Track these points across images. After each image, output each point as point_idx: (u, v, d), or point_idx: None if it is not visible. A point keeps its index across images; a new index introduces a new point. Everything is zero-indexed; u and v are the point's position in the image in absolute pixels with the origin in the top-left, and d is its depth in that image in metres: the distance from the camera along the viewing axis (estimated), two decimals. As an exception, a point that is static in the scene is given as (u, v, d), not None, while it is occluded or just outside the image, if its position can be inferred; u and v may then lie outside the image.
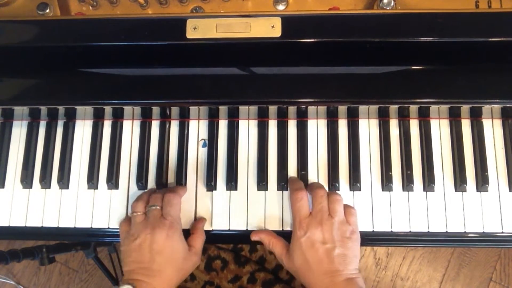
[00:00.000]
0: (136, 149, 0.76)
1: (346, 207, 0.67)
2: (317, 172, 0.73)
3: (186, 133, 0.76)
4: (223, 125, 0.76)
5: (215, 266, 0.87)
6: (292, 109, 0.75)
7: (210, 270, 0.87)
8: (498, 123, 0.73)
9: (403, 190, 0.72)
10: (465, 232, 0.70)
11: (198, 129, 0.76)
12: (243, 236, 0.73)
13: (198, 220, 0.72)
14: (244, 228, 0.72)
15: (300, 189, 0.67)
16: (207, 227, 0.72)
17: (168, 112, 0.76)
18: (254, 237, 0.70)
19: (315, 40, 0.64)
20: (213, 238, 0.73)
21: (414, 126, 0.74)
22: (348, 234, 0.64)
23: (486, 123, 0.73)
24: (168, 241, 0.65)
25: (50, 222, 0.74)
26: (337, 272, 0.62)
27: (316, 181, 0.73)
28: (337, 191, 0.71)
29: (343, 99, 0.68)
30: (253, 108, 0.75)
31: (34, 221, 0.74)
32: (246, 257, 0.88)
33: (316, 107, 0.75)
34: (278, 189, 0.73)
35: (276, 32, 0.64)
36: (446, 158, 0.73)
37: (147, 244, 0.64)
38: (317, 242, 0.63)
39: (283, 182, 0.72)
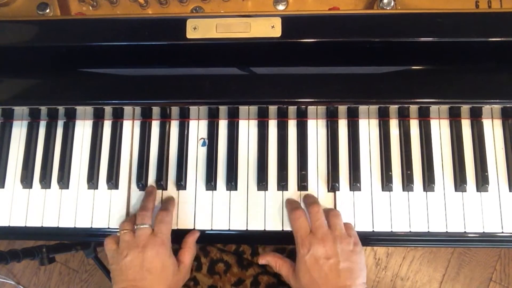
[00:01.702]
0: (136, 149, 0.76)
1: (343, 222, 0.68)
2: (317, 172, 0.73)
3: (186, 133, 0.76)
4: (223, 125, 0.76)
5: (218, 270, 0.87)
6: (292, 109, 0.75)
7: (213, 274, 0.87)
8: (498, 123, 0.73)
9: (403, 190, 0.72)
10: (465, 232, 0.70)
11: (198, 129, 0.76)
12: (243, 236, 0.73)
13: (189, 233, 0.72)
14: (244, 228, 0.72)
15: (296, 208, 0.67)
16: (207, 227, 0.72)
17: (168, 112, 0.76)
18: (261, 261, 0.71)
19: (315, 40, 0.64)
20: (213, 238, 0.73)
21: (414, 126, 0.74)
22: (351, 247, 0.64)
23: (486, 123, 0.73)
24: (158, 259, 0.65)
25: (50, 222, 0.74)
26: (344, 287, 0.61)
27: (316, 181, 0.73)
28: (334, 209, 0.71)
29: (343, 99, 0.68)
30: (253, 108, 0.75)
31: (34, 221, 0.74)
32: (249, 260, 0.88)
33: (316, 107, 0.74)
34: (278, 189, 0.73)
35: (276, 32, 0.64)
36: (446, 158, 0.73)
37: (139, 262, 0.64)
38: (321, 258, 0.62)
39: (283, 182, 0.72)
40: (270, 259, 0.70)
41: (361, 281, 0.63)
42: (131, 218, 0.70)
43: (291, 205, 0.69)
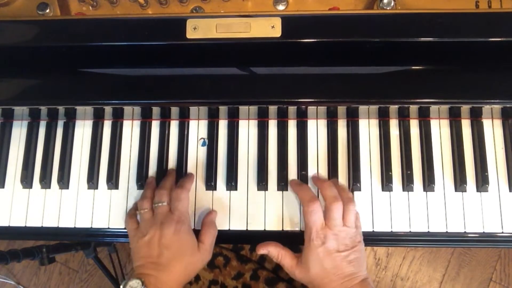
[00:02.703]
0: (136, 149, 0.76)
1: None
2: (317, 172, 0.73)
3: (186, 133, 0.76)
4: (223, 125, 0.76)
5: (217, 263, 0.88)
6: (292, 109, 0.75)
7: (213, 267, 0.88)
8: (498, 123, 0.73)
9: (403, 190, 0.72)
10: (465, 232, 0.70)
11: (198, 129, 0.76)
12: (243, 236, 0.73)
13: (208, 213, 0.72)
14: (244, 228, 0.72)
15: (312, 199, 0.66)
16: (207, 227, 0.72)
17: (168, 112, 0.76)
18: (261, 250, 0.68)
19: (315, 40, 0.64)
20: (213, 238, 0.73)
21: (414, 126, 0.74)
22: (359, 238, 0.66)
23: (486, 123, 0.73)
24: (176, 236, 0.65)
25: (50, 222, 0.74)
26: (353, 275, 0.63)
27: (316, 181, 0.73)
28: (351, 197, 0.70)
29: (343, 99, 0.68)
30: (253, 108, 0.75)
31: (34, 221, 0.74)
32: (247, 257, 0.89)
33: (316, 107, 0.74)
34: (278, 189, 0.73)
35: (276, 32, 0.64)
36: (446, 158, 0.73)
37: (156, 239, 0.65)
38: (334, 252, 0.64)
39: (283, 182, 0.72)
40: (271, 248, 0.68)
41: (364, 267, 0.66)
42: (148, 195, 0.70)
43: (305, 193, 0.68)
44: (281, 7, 0.70)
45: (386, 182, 0.71)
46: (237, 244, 0.90)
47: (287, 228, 0.71)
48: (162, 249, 0.64)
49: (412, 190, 0.72)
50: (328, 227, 0.65)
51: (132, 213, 0.72)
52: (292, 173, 0.73)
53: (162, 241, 0.65)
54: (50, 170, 0.76)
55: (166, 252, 0.64)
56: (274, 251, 0.68)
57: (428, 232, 0.70)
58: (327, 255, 0.64)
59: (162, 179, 0.73)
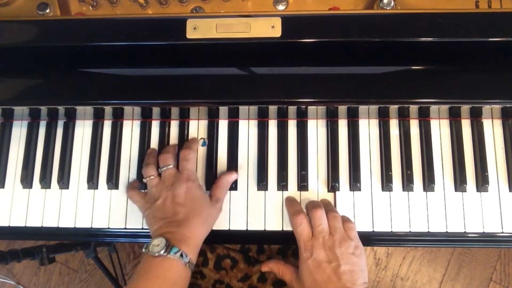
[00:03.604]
0: (136, 149, 0.76)
1: (344, 221, 0.68)
2: (317, 172, 0.73)
3: (186, 133, 0.76)
4: (223, 125, 0.76)
5: (224, 265, 0.88)
6: (292, 109, 0.75)
7: (219, 269, 0.87)
8: (498, 123, 0.73)
9: (403, 190, 0.72)
10: (465, 232, 0.70)
11: (198, 129, 0.76)
12: (243, 236, 0.73)
13: (225, 173, 0.73)
14: (244, 228, 0.72)
15: (298, 212, 0.67)
16: (207, 227, 0.72)
17: (168, 112, 0.76)
18: (264, 268, 0.72)
19: (315, 40, 0.64)
20: (213, 238, 0.73)
21: (414, 126, 0.74)
22: (351, 250, 0.65)
23: (486, 123, 0.73)
24: (188, 193, 0.67)
25: (50, 222, 0.74)
26: None
27: (316, 181, 0.73)
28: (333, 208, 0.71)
29: (343, 99, 0.68)
30: (253, 108, 0.75)
31: (34, 221, 0.74)
32: (255, 258, 0.89)
33: (316, 107, 0.74)
34: (278, 189, 0.73)
35: (276, 32, 0.64)
36: (446, 158, 0.73)
37: (169, 200, 0.66)
38: (323, 262, 0.63)
39: (283, 182, 0.72)
40: (272, 266, 0.71)
41: (361, 281, 0.64)
42: (151, 162, 0.71)
43: (292, 208, 0.69)
44: (281, 7, 0.70)
45: (386, 182, 0.71)
46: (237, 244, 0.90)
47: (287, 228, 0.71)
48: (178, 208, 0.65)
49: (412, 190, 0.72)
50: (314, 237, 0.65)
51: (133, 185, 0.73)
52: (292, 173, 0.73)
53: (176, 200, 0.66)
54: (50, 170, 0.76)
55: (182, 209, 0.65)
56: (275, 268, 0.71)
57: (428, 232, 0.70)
58: (316, 267, 0.63)
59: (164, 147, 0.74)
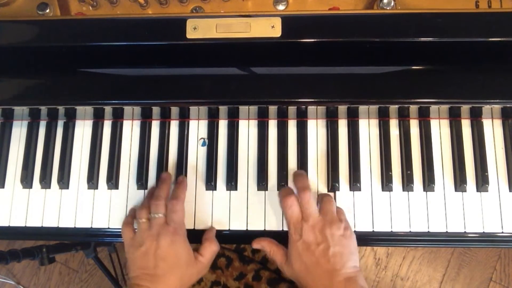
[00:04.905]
0: (136, 149, 0.76)
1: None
2: (317, 172, 0.73)
3: (186, 133, 0.76)
4: (223, 125, 0.76)
5: (220, 264, 0.88)
6: (292, 109, 0.75)
7: (215, 268, 0.88)
8: (498, 123, 0.73)
9: (403, 190, 0.72)
10: (465, 232, 0.70)
11: (198, 129, 0.76)
12: (243, 236, 0.73)
13: (208, 229, 0.72)
14: (244, 228, 0.72)
15: (288, 195, 0.67)
16: (207, 227, 0.72)
17: (168, 112, 0.76)
18: (255, 245, 0.70)
19: (315, 40, 0.64)
20: (213, 238, 0.73)
21: (414, 126, 0.74)
22: (341, 232, 0.64)
23: (486, 123, 0.73)
24: (172, 247, 0.65)
25: (50, 222, 0.74)
26: (335, 272, 0.62)
27: (316, 181, 0.73)
28: (330, 194, 0.71)
29: (343, 99, 0.68)
30: (253, 108, 0.75)
31: (34, 221, 0.74)
32: (250, 257, 0.89)
33: (316, 107, 0.75)
34: (278, 189, 0.73)
35: (276, 32, 0.64)
36: (446, 158, 0.73)
37: (152, 251, 0.65)
38: (312, 244, 0.63)
39: (283, 182, 0.72)
40: (265, 244, 0.70)
41: (351, 264, 0.63)
42: (146, 205, 0.70)
43: (282, 191, 0.69)
44: (281, 7, 0.70)
45: (386, 182, 0.71)
46: (237, 244, 0.90)
47: (287, 228, 0.71)
48: (158, 261, 0.64)
49: (412, 190, 0.72)
50: (304, 219, 0.65)
51: (128, 221, 0.71)
52: (292, 173, 0.73)
53: (158, 253, 0.64)
54: (50, 170, 0.76)
55: (162, 263, 0.64)
56: (267, 247, 0.69)
57: (428, 232, 0.70)
58: (305, 249, 0.63)
59: (157, 186, 0.72)
